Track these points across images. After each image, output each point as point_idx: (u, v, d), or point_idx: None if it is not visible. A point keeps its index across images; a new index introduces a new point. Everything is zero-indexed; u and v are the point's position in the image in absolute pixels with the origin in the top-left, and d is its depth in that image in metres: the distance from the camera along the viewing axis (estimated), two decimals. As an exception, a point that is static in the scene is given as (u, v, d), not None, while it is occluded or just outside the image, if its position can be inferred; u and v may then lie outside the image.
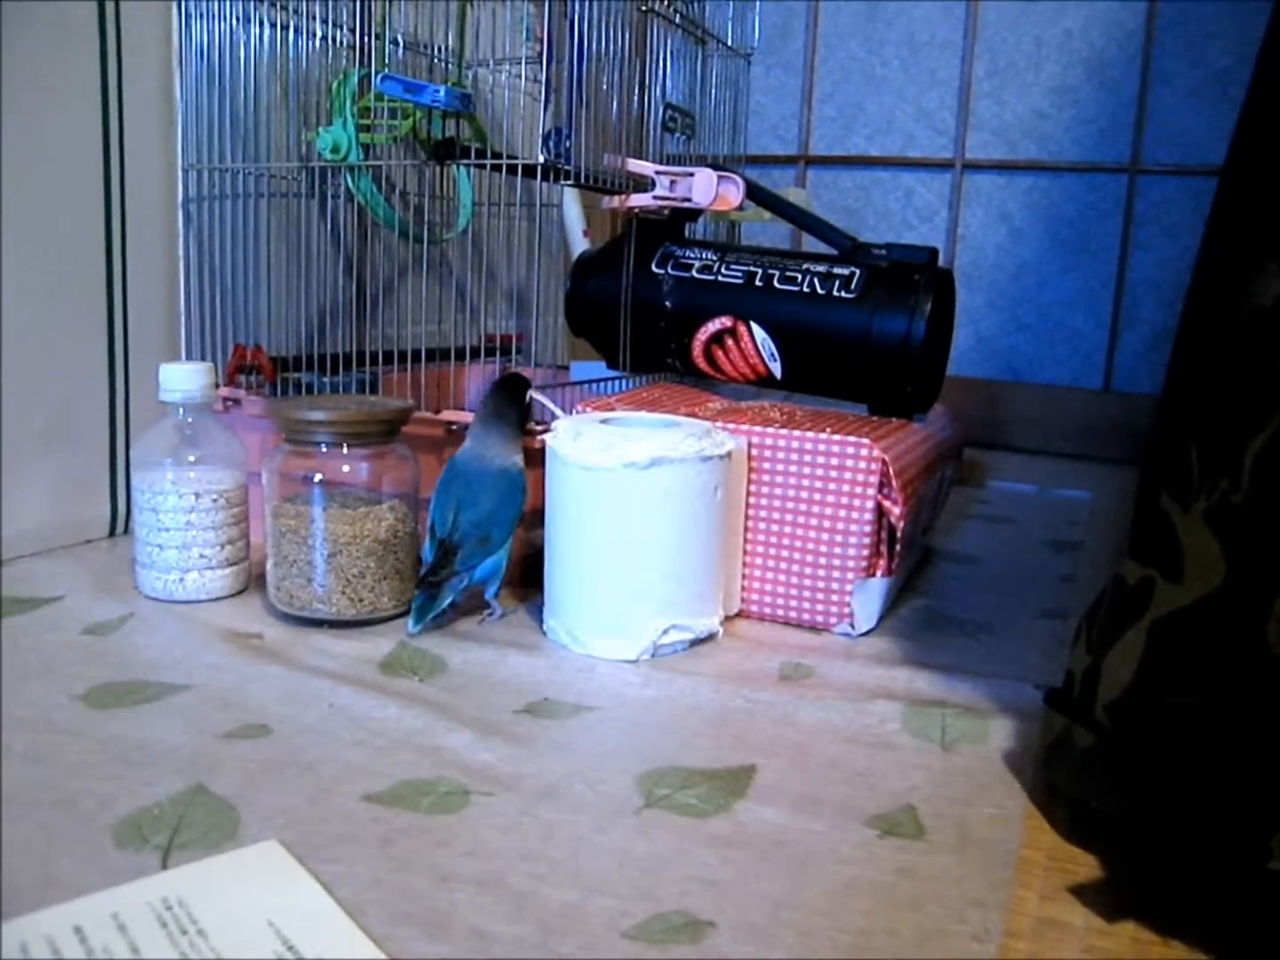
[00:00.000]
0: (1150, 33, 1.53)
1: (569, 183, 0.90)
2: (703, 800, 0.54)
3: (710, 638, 0.77)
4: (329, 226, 1.03)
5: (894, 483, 0.76)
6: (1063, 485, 1.37)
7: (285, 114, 0.98)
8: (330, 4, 0.97)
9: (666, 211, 0.97)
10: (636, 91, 0.98)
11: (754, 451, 0.79)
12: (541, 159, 0.83)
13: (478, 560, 0.76)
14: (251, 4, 0.95)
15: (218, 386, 0.87)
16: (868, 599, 0.78)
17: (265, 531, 0.78)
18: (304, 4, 0.96)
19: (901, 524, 0.76)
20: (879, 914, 0.46)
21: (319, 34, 0.98)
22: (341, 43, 0.99)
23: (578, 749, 0.59)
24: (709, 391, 0.97)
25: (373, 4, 0.96)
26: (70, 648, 0.70)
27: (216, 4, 0.94)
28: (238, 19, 0.95)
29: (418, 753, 0.58)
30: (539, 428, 0.83)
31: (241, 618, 0.77)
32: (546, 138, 0.84)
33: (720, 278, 0.92)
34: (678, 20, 1.05)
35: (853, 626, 0.79)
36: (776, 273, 0.90)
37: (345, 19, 0.98)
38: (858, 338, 0.87)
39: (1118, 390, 1.62)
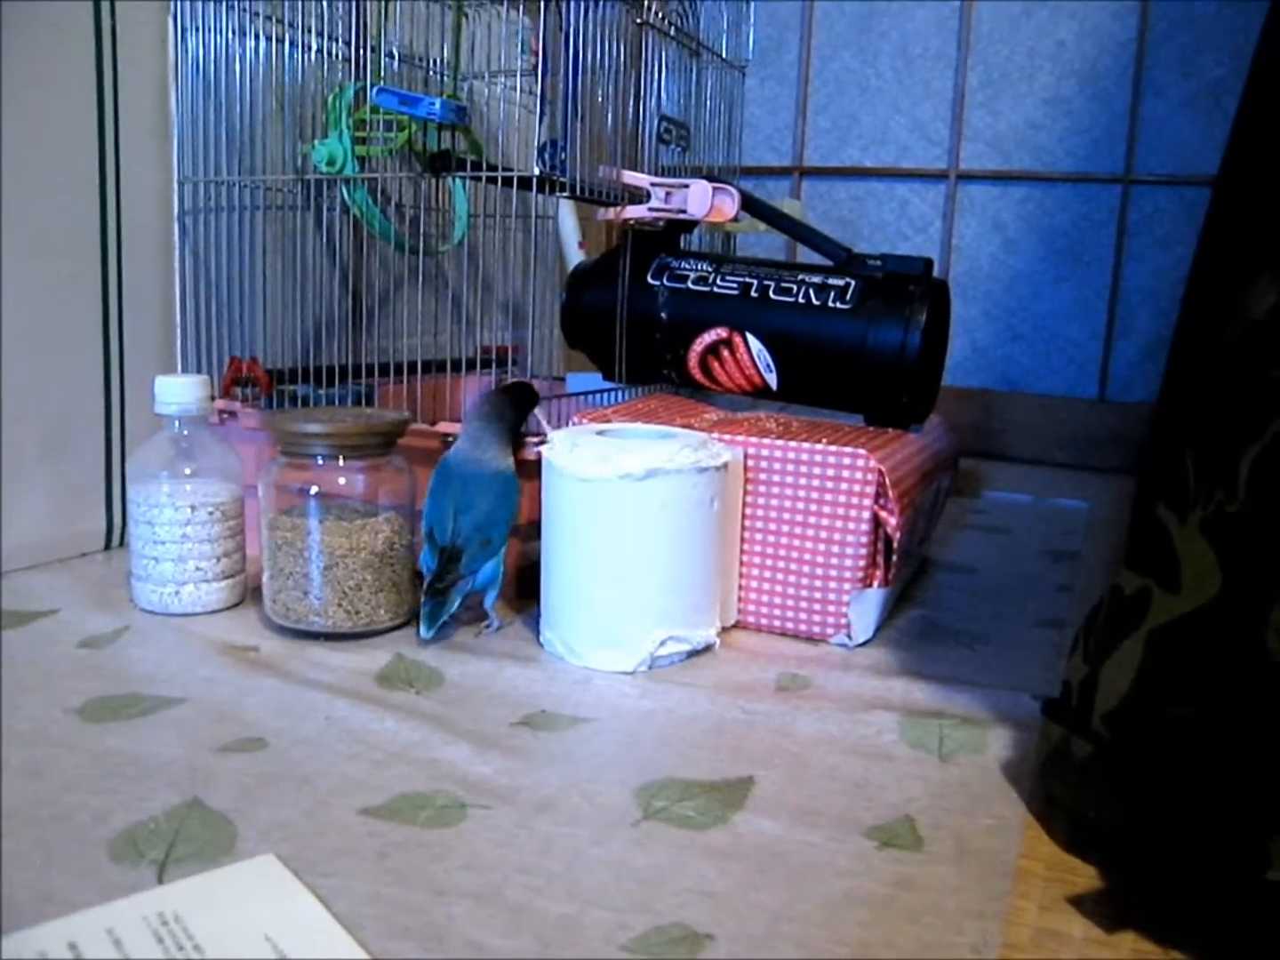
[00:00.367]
0: (1143, 44, 1.54)
1: (564, 195, 0.90)
2: (700, 812, 0.54)
3: (707, 649, 0.76)
4: (324, 239, 1.03)
5: (890, 493, 0.76)
6: (1058, 495, 1.38)
7: (281, 127, 0.98)
8: (326, 17, 0.97)
9: (662, 223, 0.97)
10: (631, 103, 0.98)
11: (750, 462, 0.79)
12: (537, 171, 0.83)
13: (480, 563, 0.76)
14: (247, 17, 0.95)
15: (213, 399, 0.87)
16: (864, 609, 0.78)
17: (261, 544, 0.77)
18: (299, 17, 0.97)
19: (898, 534, 0.77)
20: (877, 926, 0.46)
21: (314, 47, 0.98)
22: (337, 55, 0.99)
23: (575, 761, 0.59)
24: (705, 403, 0.97)
25: (368, 17, 0.96)
26: (66, 661, 0.70)
27: (212, 17, 0.94)
28: (233, 32, 0.95)
29: (415, 766, 0.58)
30: (533, 438, 0.83)
31: (237, 631, 0.77)
32: (542, 150, 0.84)
33: (716, 289, 0.92)
34: (672, 33, 1.05)
35: (849, 637, 0.79)
36: (772, 284, 0.90)
37: (341, 32, 0.99)
38: (853, 348, 0.87)
39: (1113, 400, 1.62)
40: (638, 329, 0.94)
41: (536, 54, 0.87)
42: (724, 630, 0.80)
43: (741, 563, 0.80)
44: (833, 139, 1.74)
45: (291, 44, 0.97)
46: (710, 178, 0.93)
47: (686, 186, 0.91)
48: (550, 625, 0.76)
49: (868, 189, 1.73)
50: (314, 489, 0.75)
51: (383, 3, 0.96)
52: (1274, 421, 0.44)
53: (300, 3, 0.96)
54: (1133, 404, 1.58)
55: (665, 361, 0.94)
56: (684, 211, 0.91)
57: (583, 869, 0.49)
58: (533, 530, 0.82)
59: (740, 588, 0.81)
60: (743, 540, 0.80)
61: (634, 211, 0.93)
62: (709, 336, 0.91)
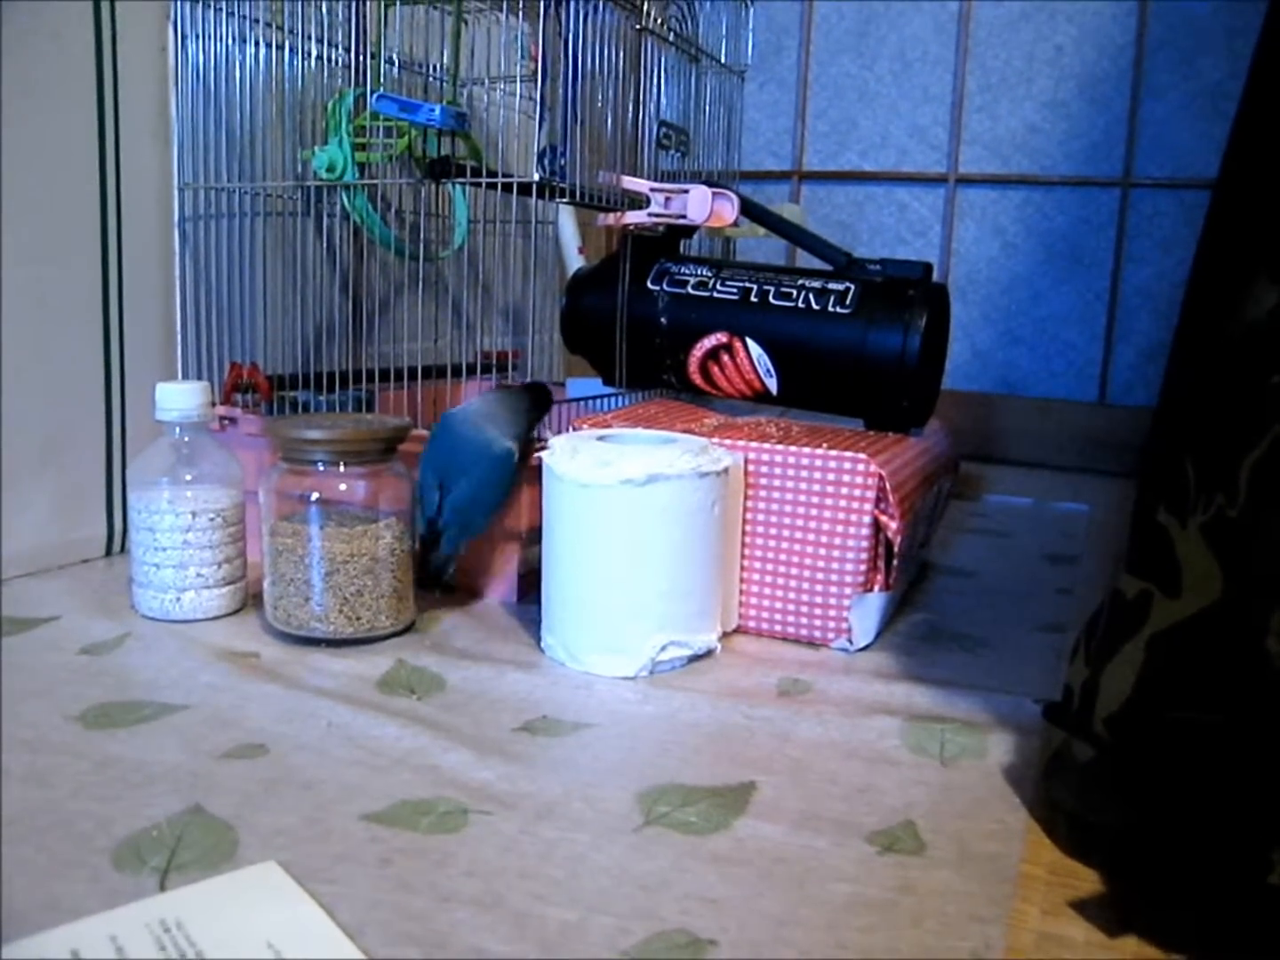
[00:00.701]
0: (1141, 47, 1.54)
1: (564, 200, 0.91)
2: (702, 817, 0.54)
3: (708, 654, 0.76)
4: (325, 245, 1.03)
5: (891, 497, 0.76)
6: (1059, 498, 1.38)
7: (281, 133, 0.98)
8: (325, 24, 0.97)
9: (662, 228, 0.97)
10: (631, 109, 0.98)
11: (751, 467, 0.79)
12: (536, 177, 0.83)
13: (460, 541, 0.77)
14: (247, 24, 0.95)
15: (214, 405, 0.87)
16: (865, 614, 0.78)
17: (262, 550, 0.77)
18: (299, 24, 0.97)
19: (899, 539, 0.77)
20: (879, 931, 0.46)
21: (314, 53, 0.98)
22: (337, 62, 0.99)
23: (576, 767, 0.59)
24: (705, 408, 0.97)
25: (368, 23, 0.96)
26: (67, 668, 0.70)
27: (212, 24, 0.94)
28: (233, 38, 0.95)
29: (416, 772, 0.58)
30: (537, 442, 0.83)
31: (239, 637, 0.77)
32: (541, 155, 0.84)
33: (715, 294, 0.92)
34: (671, 38, 1.05)
35: (850, 642, 0.79)
36: (772, 289, 0.90)
37: (340, 38, 0.99)
38: (853, 353, 0.87)
39: (1113, 403, 1.62)
40: (638, 334, 0.94)
41: (536, 60, 0.87)
42: (725, 635, 0.80)
43: (742, 567, 0.81)
44: (832, 143, 1.74)
45: (291, 50, 0.97)
46: (710, 183, 0.93)
47: (686, 191, 0.91)
48: (551, 630, 0.76)
49: (867, 193, 1.73)
50: (315, 495, 0.75)
51: (382, 9, 0.96)
52: (1274, 426, 0.44)
53: (300, 10, 0.97)
54: (1133, 407, 1.59)
55: (665, 366, 0.95)
56: (684, 216, 0.92)
57: (585, 874, 0.49)
58: (533, 535, 0.82)
59: (741, 592, 0.81)
60: (743, 545, 0.80)
61: (634, 217, 0.93)
62: (709, 341, 0.91)
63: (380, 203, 1.01)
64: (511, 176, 0.85)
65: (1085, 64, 1.58)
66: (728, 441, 0.80)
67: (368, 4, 0.99)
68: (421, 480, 0.78)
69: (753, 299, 0.90)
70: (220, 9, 0.94)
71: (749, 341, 0.90)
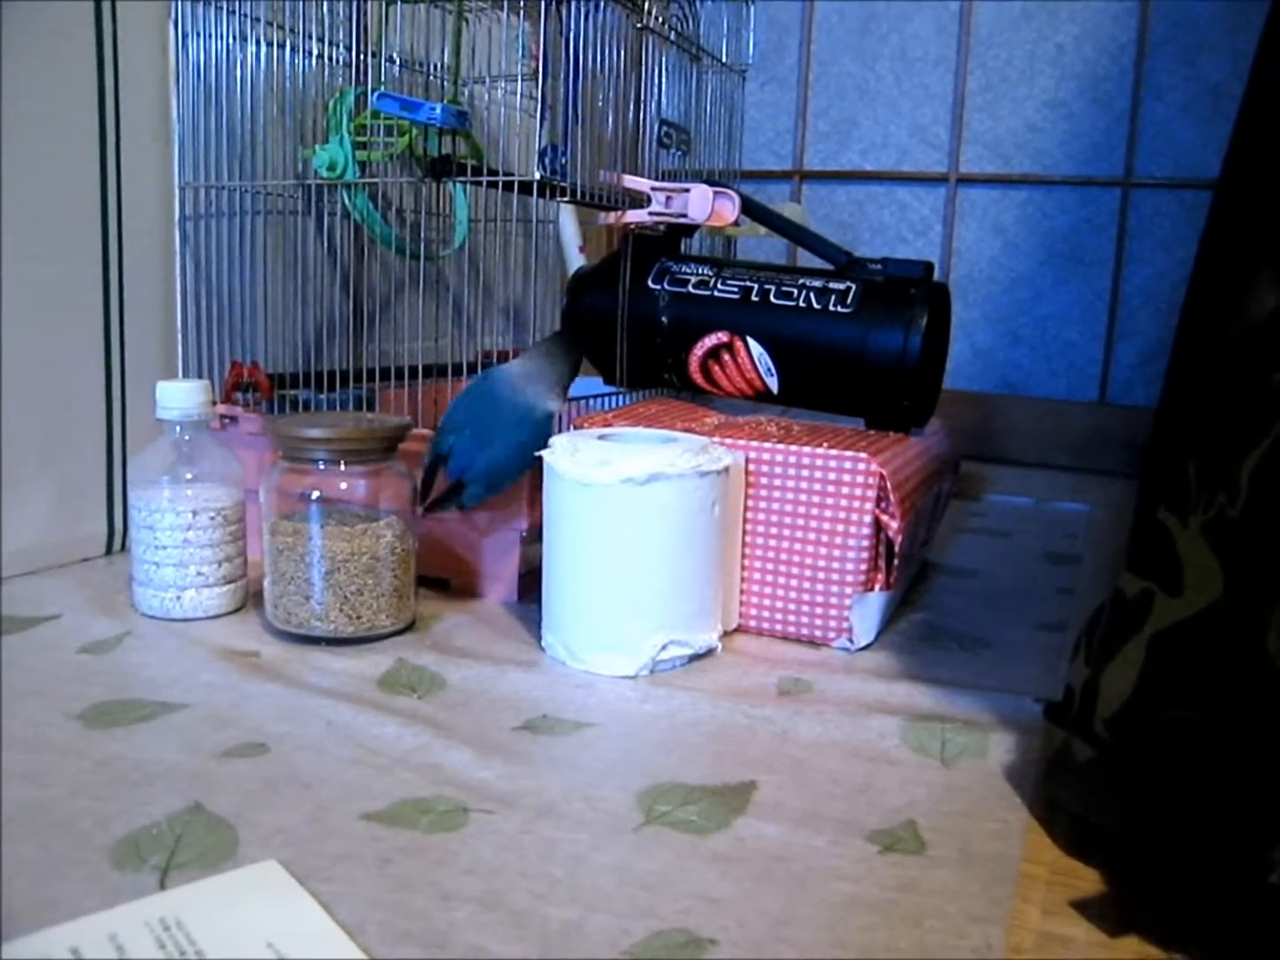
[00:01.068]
0: (1142, 47, 1.54)
1: (565, 199, 0.90)
2: (703, 816, 0.54)
3: (709, 653, 0.76)
4: (326, 244, 1.03)
5: (891, 497, 0.76)
6: (1059, 498, 1.37)
7: (282, 132, 0.98)
8: (326, 22, 0.97)
9: (662, 227, 0.97)
10: (632, 108, 0.98)
11: (751, 466, 0.79)
12: (537, 175, 0.83)
13: (479, 500, 0.78)
14: (248, 22, 0.95)
15: (215, 404, 0.87)
16: (866, 613, 0.78)
17: (263, 549, 0.77)
18: (300, 23, 0.97)
19: (899, 538, 0.76)
20: (880, 930, 0.46)
21: (315, 52, 0.98)
22: (338, 60, 0.99)
23: (577, 766, 0.59)
24: (706, 407, 0.97)
25: (369, 22, 0.96)
26: (67, 666, 0.70)
27: (213, 22, 0.94)
28: (234, 37, 0.95)
29: (416, 771, 0.58)
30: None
31: (239, 636, 0.77)
32: (542, 154, 0.84)
33: (716, 293, 0.92)
34: (673, 37, 1.05)
35: (851, 641, 0.79)
36: (772, 288, 0.90)
37: (341, 37, 0.99)
38: (854, 352, 0.87)
39: (1113, 403, 1.62)
40: (638, 333, 0.94)
41: (537, 58, 0.87)
42: (725, 634, 0.80)
43: (743, 567, 0.80)
44: (833, 143, 1.74)
45: (292, 49, 0.97)
46: (711, 182, 0.93)
47: (687, 191, 0.91)
48: (552, 629, 0.76)
49: (868, 193, 1.73)
50: (315, 494, 0.75)
51: (383, 8, 0.96)
52: (1275, 425, 0.44)
53: (301, 8, 0.97)
54: (1133, 407, 1.58)
55: (666, 365, 0.94)
56: (684, 216, 0.92)
57: (585, 874, 0.49)
58: (534, 534, 0.82)
59: (742, 592, 0.81)
60: (744, 544, 0.80)
61: (634, 216, 0.93)
62: (710, 340, 0.91)
63: (381, 201, 1.01)
64: (512, 175, 0.85)
65: (1086, 63, 1.58)
66: (728, 440, 0.79)
67: (368, 3, 0.99)
68: (451, 426, 0.78)
69: (754, 298, 0.90)
70: (221, 7, 0.94)
71: (750, 340, 0.90)
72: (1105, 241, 1.60)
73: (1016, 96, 1.62)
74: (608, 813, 0.54)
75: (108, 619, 0.79)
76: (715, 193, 0.91)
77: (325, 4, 0.97)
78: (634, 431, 0.81)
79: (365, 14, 0.98)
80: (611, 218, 0.94)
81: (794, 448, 0.78)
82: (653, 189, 0.92)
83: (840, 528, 0.77)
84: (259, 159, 0.98)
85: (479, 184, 0.90)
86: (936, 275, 0.90)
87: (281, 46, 0.97)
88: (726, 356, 0.91)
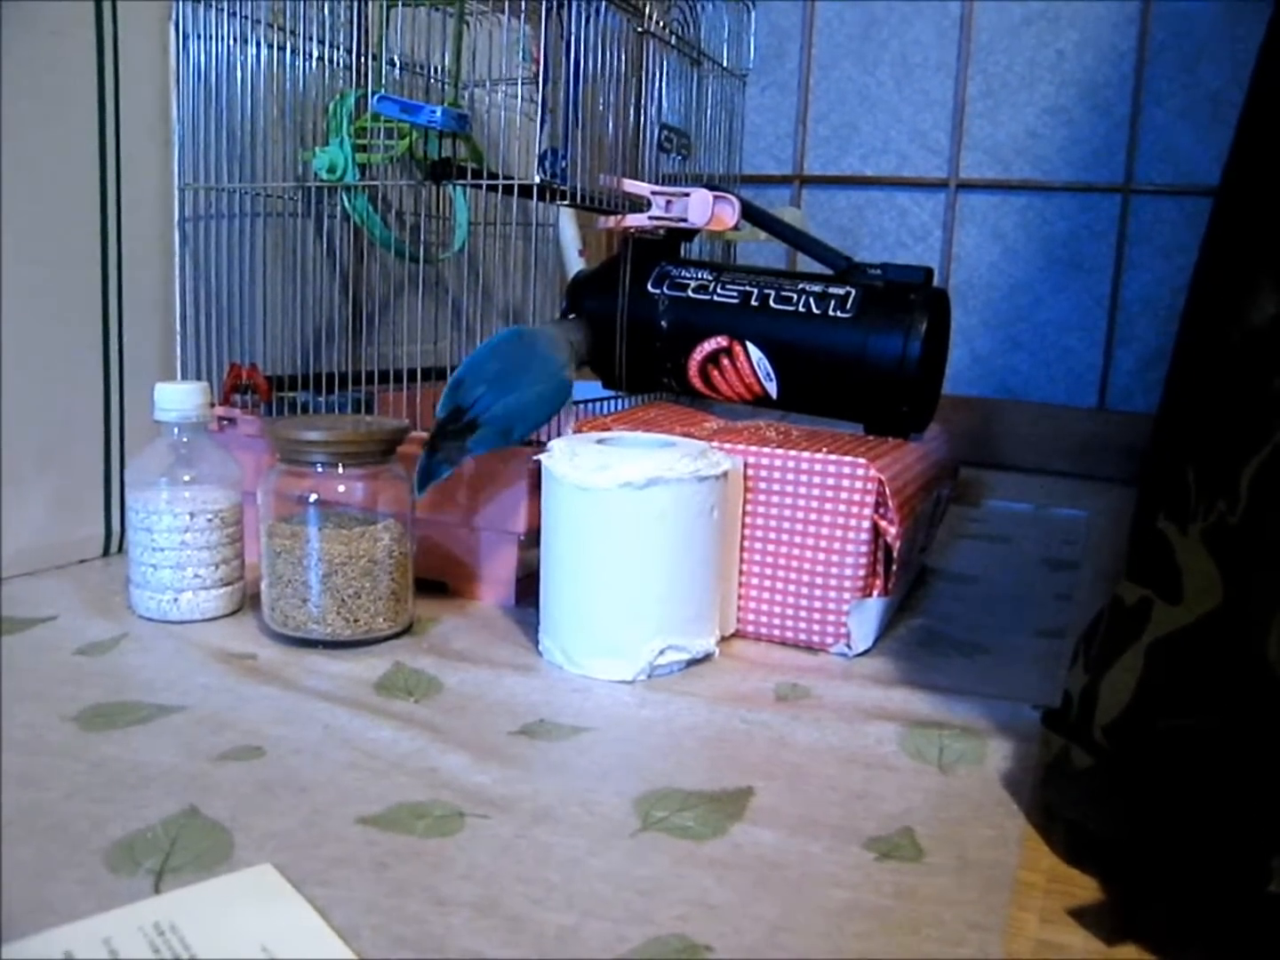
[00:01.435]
0: (1142, 54, 1.54)
1: (565, 203, 0.90)
2: (700, 822, 0.54)
3: (706, 658, 0.76)
4: (325, 246, 1.03)
5: (890, 502, 0.76)
6: (1059, 504, 1.37)
7: (282, 134, 0.98)
8: (327, 25, 0.97)
9: (662, 231, 0.97)
10: (632, 112, 0.98)
11: (750, 471, 0.79)
12: (537, 179, 0.83)
13: (488, 446, 0.77)
14: (249, 24, 0.95)
15: (213, 405, 0.87)
16: (864, 619, 0.78)
17: (260, 551, 0.77)
18: (301, 25, 0.97)
19: (898, 544, 0.76)
20: (876, 937, 0.45)
21: (316, 54, 0.98)
22: (338, 63, 0.99)
23: (574, 771, 0.59)
24: (705, 411, 0.97)
25: (369, 25, 0.96)
26: (63, 668, 0.70)
27: (214, 24, 0.94)
28: (235, 39, 0.95)
29: (413, 775, 0.58)
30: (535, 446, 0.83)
31: (236, 638, 0.77)
32: (542, 158, 0.84)
33: (716, 298, 0.92)
34: (673, 41, 1.05)
35: (849, 647, 0.78)
36: (772, 292, 0.90)
37: (342, 40, 0.99)
38: (853, 357, 0.87)
39: (1112, 409, 1.62)
40: (638, 337, 0.94)
41: (538, 62, 0.87)
42: (723, 639, 0.80)
43: (741, 572, 0.80)
44: (833, 148, 1.74)
45: (293, 51, 0.97)
46: (711, 186, 0.93)
47: (687, 195, 0.91)
48: (549, 634, 0.76)
49: (868, 198, 1.73)
50: (313, 496, 0.75)
51: (384, 10, 0.96)
52: (1275, 433, 0.44)
53: (302, 10, 0.97)
54: (1132, 413, 1.58)
55: (665, 370, 0.94)
56: (684, 220, 0.92)
57: (581, 879, 0.49)
58: (532, 538, 0.82)
59: (740, 597, 0.81)
60: (742, 549, 0.80)
61: (634, 220, 0.93)
62: (709, 345, 0.91)
63: (381, 204, 1.01)
64: (512, 179, 0.85)
65: (1086, 70, 1.58)
66: (727, 445, 0.79)
67: (369, 5, 0.99)
68: (468, 375, 0.77)
69: (753, 303, 0.90)
70: (222, 9, 0.94)
71: (749, 345, 0.90)
72: (1105, 248, 1.60)
73: (1017, 102, 1.63)
74: (604, 818, 0.54)
75: (104, 621, 0.79)
76: (715, 197, 0.91)
77: (326, 6, 0.97)
78: (633, 436, 0.80)
79: (366, 16, 0.98)
80: (611, 221, 0.94)
81: (792, 453, 0.78)
82: (653, 193, 0.92)
83: (839, 533, 0.77)
84: (259, 161, 0.98)
85: (479, 187, 0.90)
86: (936, 280, 0.90)
87: (282, 49, 0.97)
88: (726, 361, 0.91)
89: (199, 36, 0.95)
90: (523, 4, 0.89)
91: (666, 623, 0.73)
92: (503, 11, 0.94)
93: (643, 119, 1.00)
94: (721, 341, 0.91)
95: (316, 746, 0.60)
